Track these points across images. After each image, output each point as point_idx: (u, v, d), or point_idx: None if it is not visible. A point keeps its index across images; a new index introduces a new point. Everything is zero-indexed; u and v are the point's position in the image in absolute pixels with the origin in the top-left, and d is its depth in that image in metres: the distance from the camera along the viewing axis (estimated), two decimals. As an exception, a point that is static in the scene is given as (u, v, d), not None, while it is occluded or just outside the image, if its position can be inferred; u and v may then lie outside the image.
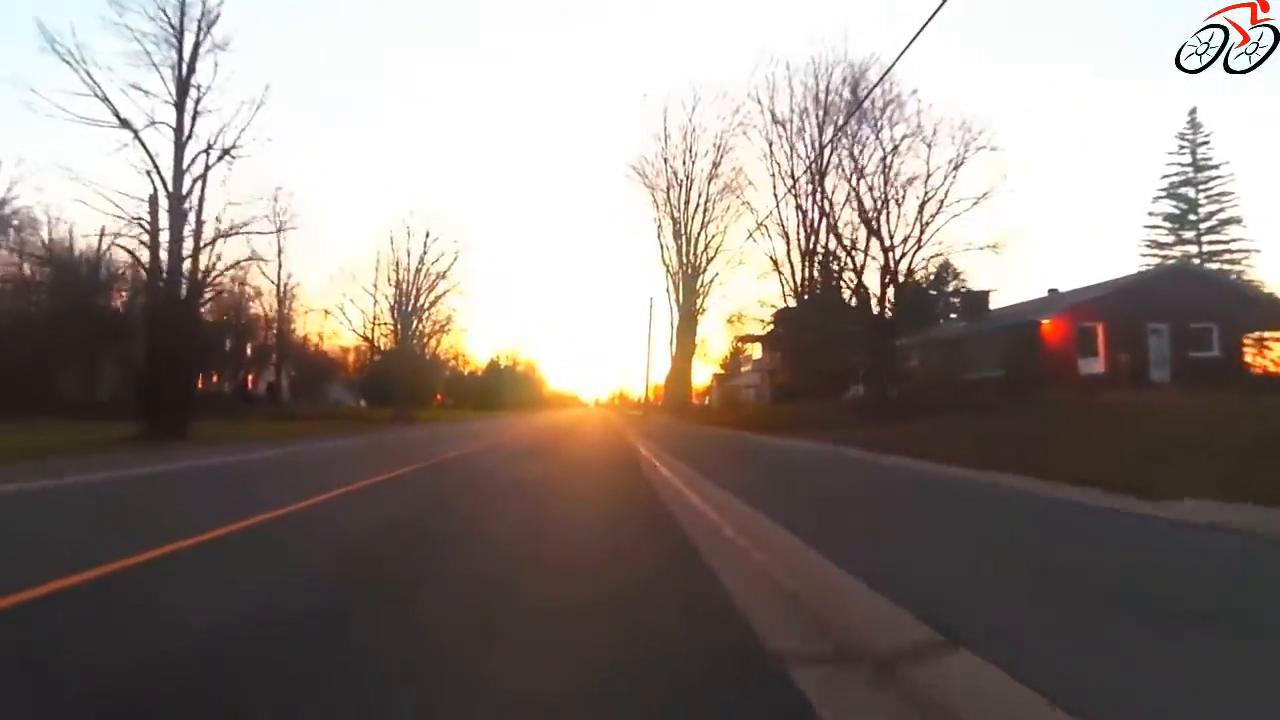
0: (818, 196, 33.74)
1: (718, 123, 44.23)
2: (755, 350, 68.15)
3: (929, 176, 20.75)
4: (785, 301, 37.45)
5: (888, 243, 21.88)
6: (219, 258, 20.16)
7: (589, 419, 49.43)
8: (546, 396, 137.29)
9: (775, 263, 36.54)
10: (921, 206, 21.79)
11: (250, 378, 60.15)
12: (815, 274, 34.88)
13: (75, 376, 43.97)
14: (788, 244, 36.17)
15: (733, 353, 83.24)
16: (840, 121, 22.23)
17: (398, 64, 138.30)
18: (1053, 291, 29.53)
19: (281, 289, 45.50)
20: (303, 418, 38.66)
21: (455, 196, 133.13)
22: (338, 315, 44.63)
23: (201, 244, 19.29)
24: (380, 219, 66.12)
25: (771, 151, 35.55)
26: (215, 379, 55.66)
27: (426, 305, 47.12)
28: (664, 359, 54.54)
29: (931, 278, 22.62)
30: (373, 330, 46.35)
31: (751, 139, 37.51)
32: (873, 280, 23.59)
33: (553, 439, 21.19)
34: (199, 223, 19.32)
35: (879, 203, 22.33)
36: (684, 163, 45.78)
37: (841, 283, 24.06)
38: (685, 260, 46.95)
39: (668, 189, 46.47)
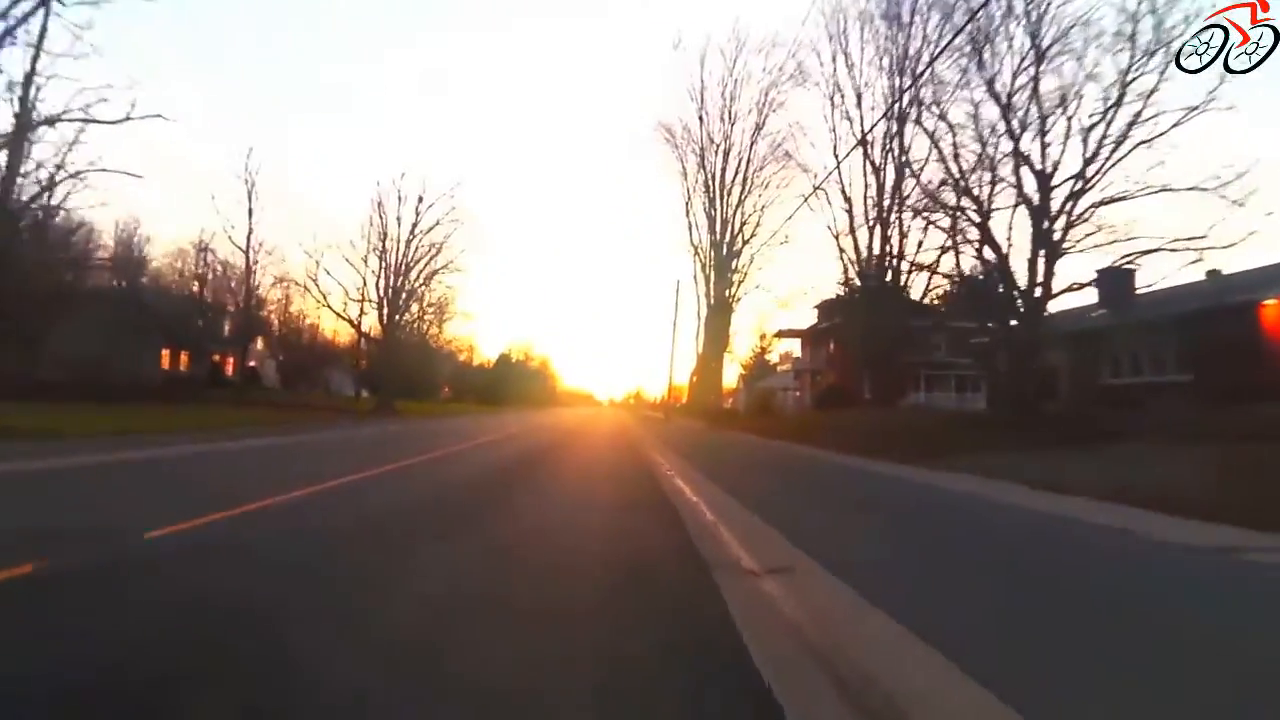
0: (898, 146, 26.77)
1: (765, 75, 37.26)
2: (779, 348, 61.09)
3: (1127, 76, 13.53)
4: (851, 283, 30.39)
5: (1045, 182, 14.83)
6: (60, 166, 13.64)
7: (600, 420, 42.76)
8: (559, 394, 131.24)
9: (836, 237, 29.53)
10: (1091, 133, 14.70)
11: (229, 360, 54.29)
12: (889, 246, 27.78)
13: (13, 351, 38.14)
14: (851, 215, 29.14)
15: (759, 351, 76.34)
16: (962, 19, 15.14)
17: (398, 41, 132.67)
18: (1214, 273, 22.21)
19: (250, 258, 39.20)
20: (262, 405, 32.34)
21: (465, 177, 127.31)
22: (313, 290, 38.18)
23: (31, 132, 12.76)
24: (369, 185, 59.76)
25: (839, 93, 28.52)
26: (185, 360, 49.73)
27: (420, 282, 40.64)
28: (688, 355, 47.74)
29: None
30: (360, 309, 39.90)
31: (809, 78, 30.43)
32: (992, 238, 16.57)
33: (543, 449, 14.47)
34: (23, 106, 12.84)
35: (1024, 126, 15.33)
36: (722, 122, 38.91)
37: (956, 246, 16.99)
38: (719, 239, 40.01)
39: (702, 154, 39.63)
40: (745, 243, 40.21)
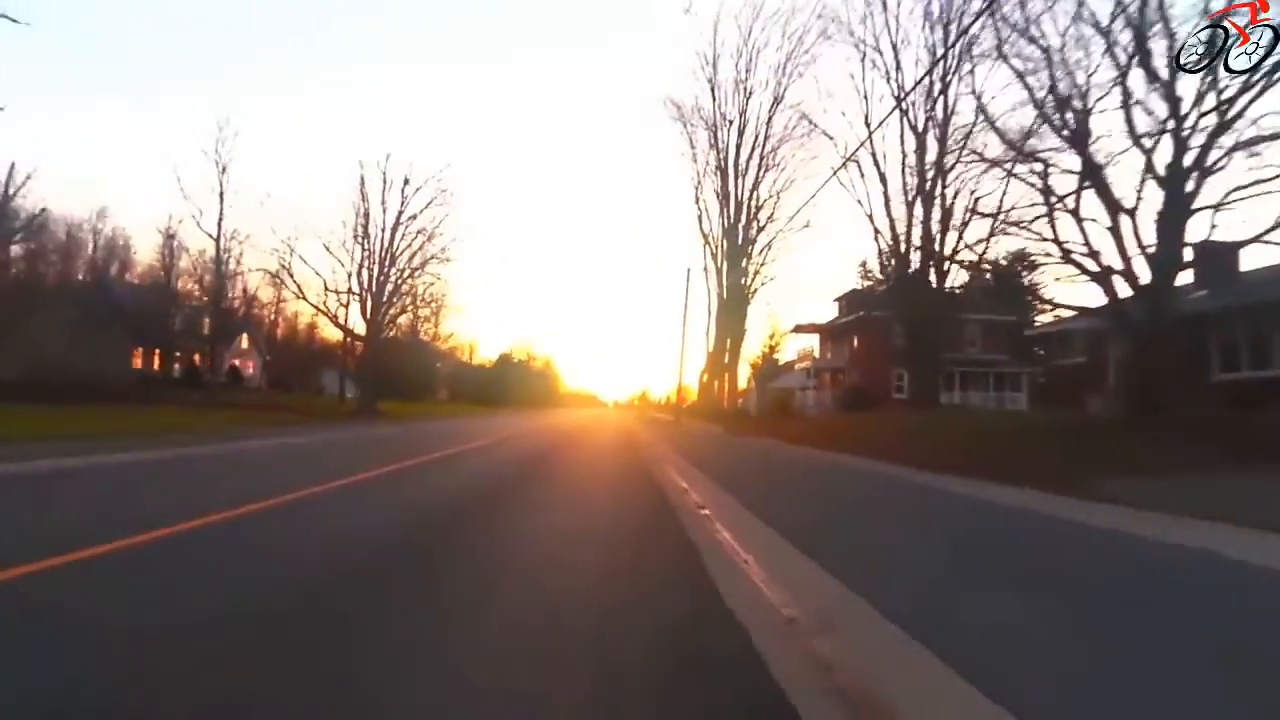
0: (942, 107, 23.30)
1: (785, 42, 33.83)
2: (795, 344, 57.42)
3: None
4: (886, 268, 26.81)
5: (1187, 120, 11.31)
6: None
7: (604, 422, 39.34)
8: (562, 395, 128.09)
9: (870, 216, 25.98)
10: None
11: (208, 358, 50.74)
12: (931, 224, 24.20)
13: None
14: (885, 191, 25.56)
15: (768, 350, 72.91)
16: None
17: (401, 40, 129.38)
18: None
19: (222, 247, 35.78)
20: (229, 407, 28.96)
21: (465, 174, 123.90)
22: (287, 280, 34.72)
23: None
24: (350, 167, 54.37)
25: (876, 48, 24.98)
26: (158, 358, 46.35)
27: (407, 273, 37.01)
28: (698, 353, 44.29)
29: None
30: (344, 302, 36.34)
31: (841, 29, 26.82)
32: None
33: (525, 466, 11.03)
34: None
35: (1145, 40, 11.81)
36: (738, 91, 35.45)
37: (1050, 208, 13.47)
38: (732, 223, 36.52)
39: (714, 131, 36.18)
40: (760, 229, 36.80)
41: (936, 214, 24.43)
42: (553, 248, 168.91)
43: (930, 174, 23.92)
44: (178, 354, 46.31)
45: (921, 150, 23.98)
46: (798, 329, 42.76)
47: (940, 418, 20.56)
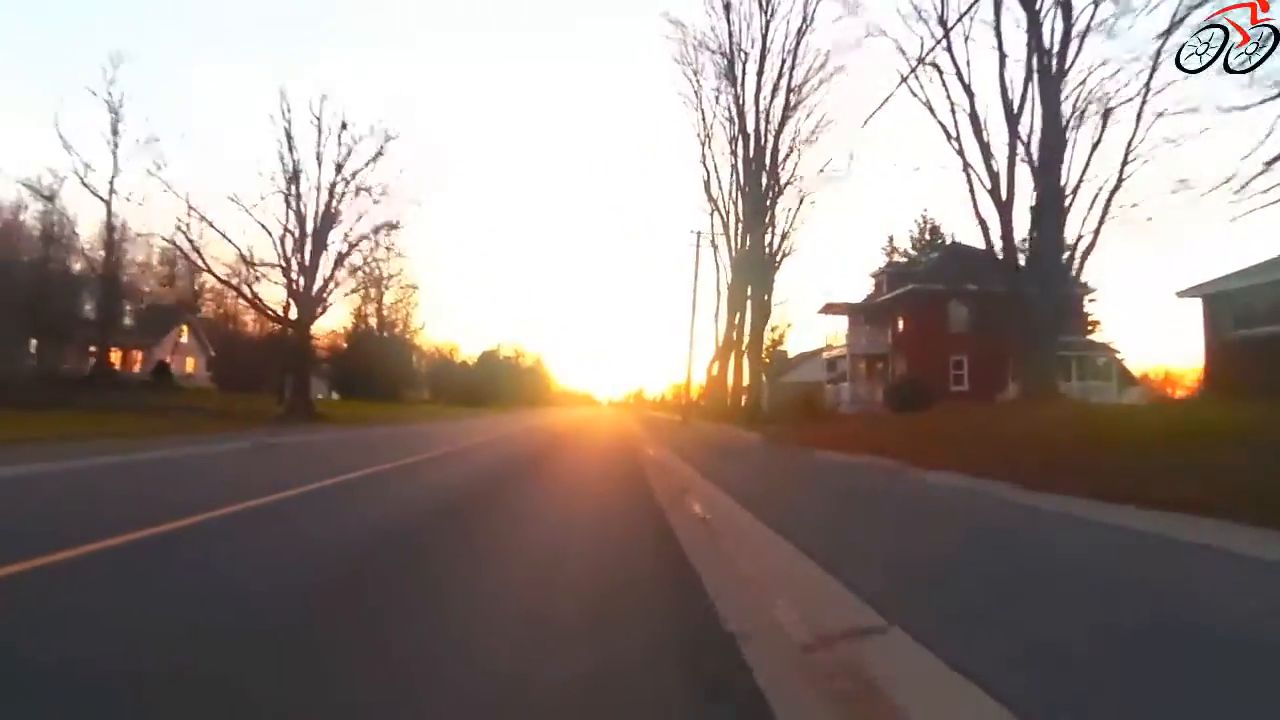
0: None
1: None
2: (795, 339, 50.72)
3: None
4: (983, 225, 19.73)
5: None
6: None
7: (598, 424, 32.55)
8: (554, 394, 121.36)
9: (959, 150, 19.05)
10: None
11: (136, 354, 43.57)
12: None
13: None
14: (973, 109, 18.69)
15: (773, 343, 66.39)
16: None
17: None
18: None
19: (112, 215, 28.65)
20: (126, 410, 21.82)
21: (455, 169, 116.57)
22: (184, 246, 27.33)
23: None
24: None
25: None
26: (74, 354, 39.00)
27: (354, 239, 29.54)
28: (704, 342, 37.39)
29: None
30: (260, 275, 29.01)
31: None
32: None
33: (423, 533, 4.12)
34: None
35: None
36: (760, 15, 28.50)
37: None
38: (752, 166, 29.41)
39: (730, 61, 29.14)
40: (781, 191, 29.78)
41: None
42: (545, 246, 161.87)
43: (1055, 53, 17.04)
44: (91, 349, 39.06)
45: (1037, 34, 17.08)
46: (828, 308, 35.92)
47: (1109, 417, 13.73)
